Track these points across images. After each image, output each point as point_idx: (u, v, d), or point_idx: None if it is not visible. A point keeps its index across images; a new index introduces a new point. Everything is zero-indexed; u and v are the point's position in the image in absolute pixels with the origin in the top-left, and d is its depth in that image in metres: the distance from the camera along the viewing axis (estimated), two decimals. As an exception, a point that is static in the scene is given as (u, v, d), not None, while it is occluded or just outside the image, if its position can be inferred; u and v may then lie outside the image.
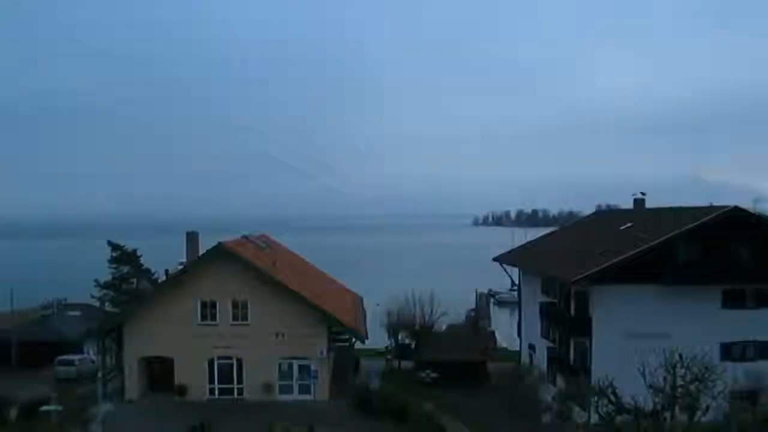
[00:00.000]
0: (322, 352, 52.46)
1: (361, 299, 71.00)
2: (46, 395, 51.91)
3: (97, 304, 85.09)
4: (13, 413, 49.66)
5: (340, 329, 53.95)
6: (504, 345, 76.81)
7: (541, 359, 56.04)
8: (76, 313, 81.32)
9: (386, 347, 70.21)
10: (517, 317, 68.21)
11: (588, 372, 45.68)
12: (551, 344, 53.74)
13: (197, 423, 40.20)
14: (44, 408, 48.08)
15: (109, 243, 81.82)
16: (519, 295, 65.31)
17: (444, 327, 70.09)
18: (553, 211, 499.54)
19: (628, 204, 61.12)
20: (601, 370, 40.94)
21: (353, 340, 55.09)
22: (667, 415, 32.67)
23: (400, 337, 68.57)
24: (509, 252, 67.84)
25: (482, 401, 52.45)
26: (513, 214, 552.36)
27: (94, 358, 66.08)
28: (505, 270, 65.82)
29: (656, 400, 32.76)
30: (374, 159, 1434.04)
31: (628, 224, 54.27)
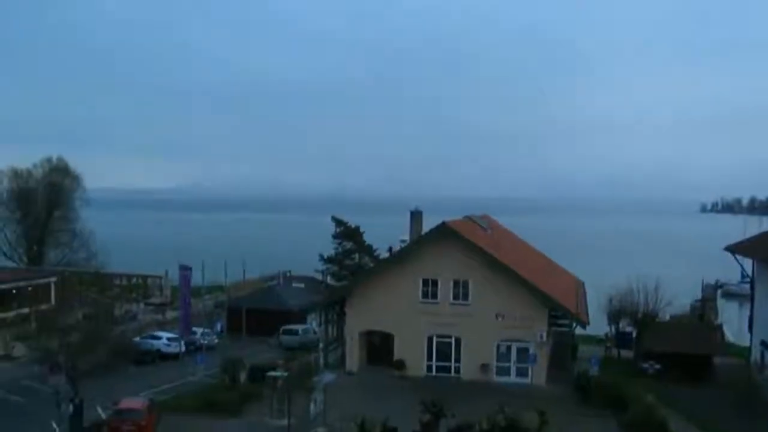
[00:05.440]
0: (541, 336, 51.77)
1: (583, 284, 69.47)
2: (272, 361, 54.17)
3: (320, 277, 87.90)
4: (242, 376, 52.12)
5: (560, 313, 52.98)
6: (732, 340, 73.10)
7: (775, 357, 52.85)
8: (300, 285, 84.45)
9: (605, 334, 68.42)
10: (747, 311, 64.70)
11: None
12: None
13: (429, 400, 40.35)
14: (270, 373, 50.06)
15: (334, 219, 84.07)
16: (752, 287, 61.78)
17: (667, 317, 67.47)
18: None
19: None
20: None
21: (574, 325, 53.99)
22: None
23: (620, 325, 66.59)
24: (744, 241, 64.28)
25: (708, 398, 50.02)
26: (745, 201, 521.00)
27: (316, 329, 68.29)
28: (738, 260, 62.43)
29: None
30: (599, 141, 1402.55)
31: None
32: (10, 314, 72.70)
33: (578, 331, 56.29)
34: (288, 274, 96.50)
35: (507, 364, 52.91)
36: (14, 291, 76.10)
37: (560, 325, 54.24)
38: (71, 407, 40.78)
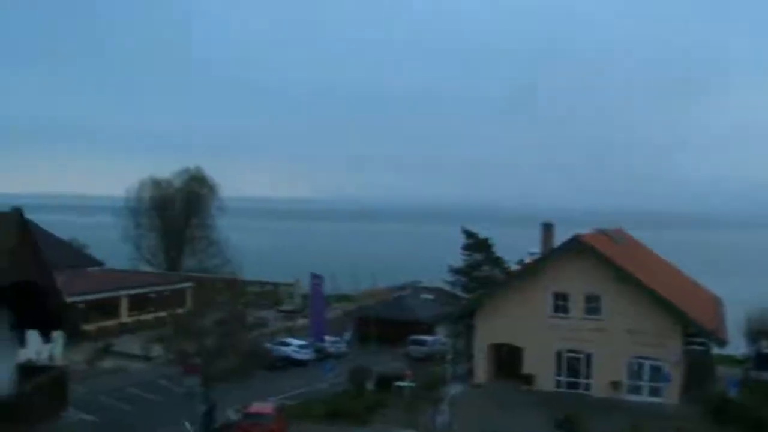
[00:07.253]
0: (675, 354, 50.18)
1: (721, 301, 67.08)
2: (400, 371, 54.37)
3: (449, 288, 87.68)
4: (370, 384, 52.43)
5: (696, 331, 51.25)
6: None
7: None
8: (429, 296, 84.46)
9: (745, 355, 65.80)
10: None
11: None
12: None
13: (563, 417, 39.64)
14: (398, 383, 50.26)
15: (464, 230, 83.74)
16: None
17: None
18: None
19: None
20: None
21: (710, 344, 52.16)
22: None
23: (761, 346, 63.89)
24: None
25: None
26: None
27: (444, 340, 68.14)
28: None
29: None
30: (739, 152, 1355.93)
31: None
32: (149, 317, 75.45)
33: (716, 350, 54.39)
34: (417, 285, 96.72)
35: (639, 382, 51.38)
36: (153, 295, 78.94)
37: (696, 344, 52.51)
38: (204, 408, 41.89)
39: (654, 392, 50.83)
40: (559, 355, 52.64)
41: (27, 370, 38.23)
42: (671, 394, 50.22)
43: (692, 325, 50.56)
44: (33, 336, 40.98)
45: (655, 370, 50.84)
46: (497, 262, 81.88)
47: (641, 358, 51.14)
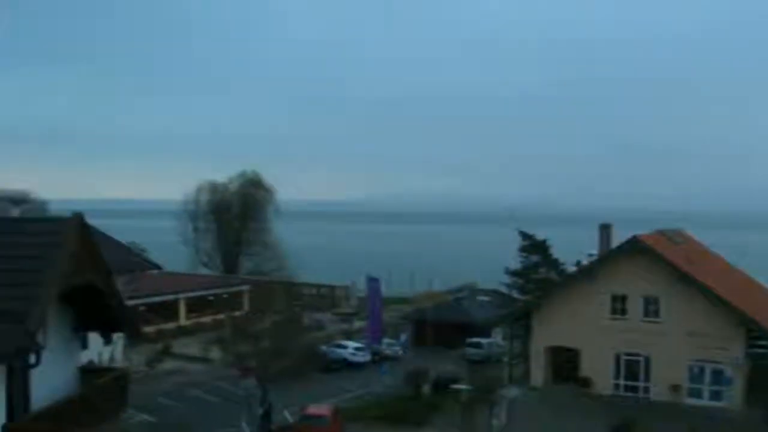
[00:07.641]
0: (738, 357, 49.23)
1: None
2: (456, 374, 54.22)
3: (505, 291, 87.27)
4: (426, 387, 52.34)
5: (760, 334, 50.20)
6: None
7: None
8: (486, 298, 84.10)
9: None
10: None
11: None
12: None
13: (620, 421, 39.13)
14: (454, 386, 50.08)
15: (520, 232, 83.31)
16: None
17: None
18: None
19: None
20: None
21: (774, 347, 51.05)
22: None
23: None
24: None
25: None
26: None
27: (501, 342, 67.82)
28: None
29: None
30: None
31: None
32: (207, 319, 76.30)
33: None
34: (474, 287, 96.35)
35: (699, 386, 50.45)
36: (211, 298, 79.81)
37: (759, 346, 51.45)
38: (261, 410, 42.21)
39: (715, 396, 49.85)
40: (617, 357, 52.00)
41: (88, 371, 38.77)
42: (734, 398, 49.26)
43: (755, 327, 49.53)
44: (94, 338, 41.62)
45: (717, 374, 49.90)
46: (554, 263, 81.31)
47: (702, 361, 50.20)
